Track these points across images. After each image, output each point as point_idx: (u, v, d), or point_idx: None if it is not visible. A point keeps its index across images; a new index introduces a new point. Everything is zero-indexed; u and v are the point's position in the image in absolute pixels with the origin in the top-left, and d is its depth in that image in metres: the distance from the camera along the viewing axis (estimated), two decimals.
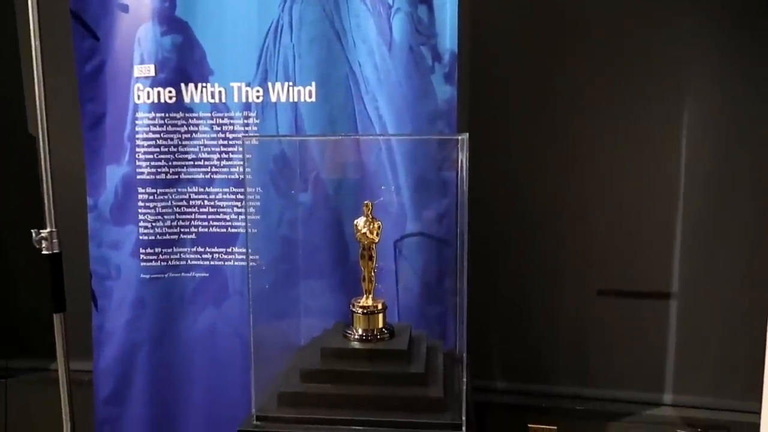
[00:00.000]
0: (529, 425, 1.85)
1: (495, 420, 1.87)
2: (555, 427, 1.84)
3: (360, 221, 1.21)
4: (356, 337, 1.18)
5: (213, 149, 1.52)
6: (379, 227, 1.21)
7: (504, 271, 1.86)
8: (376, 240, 1.21)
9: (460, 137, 1.10)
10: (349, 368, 1.12)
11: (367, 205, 1.21)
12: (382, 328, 1.20)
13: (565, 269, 1.86)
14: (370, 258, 1.21)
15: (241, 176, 1.51)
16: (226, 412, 1.54)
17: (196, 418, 1.57)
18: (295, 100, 1.48)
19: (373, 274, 1.22)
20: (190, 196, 1.54)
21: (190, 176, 1.53)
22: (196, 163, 1.53)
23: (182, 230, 1.55)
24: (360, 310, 1.20)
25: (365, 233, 1.20)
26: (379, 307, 1.20)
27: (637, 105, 1.73)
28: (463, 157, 1.07)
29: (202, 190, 1.54)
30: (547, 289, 1.86)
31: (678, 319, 1.82)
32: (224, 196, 1.53)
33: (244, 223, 1.52)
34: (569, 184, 1.81)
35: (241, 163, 1.51)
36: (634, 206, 1.78)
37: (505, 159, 1.81)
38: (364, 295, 1.22)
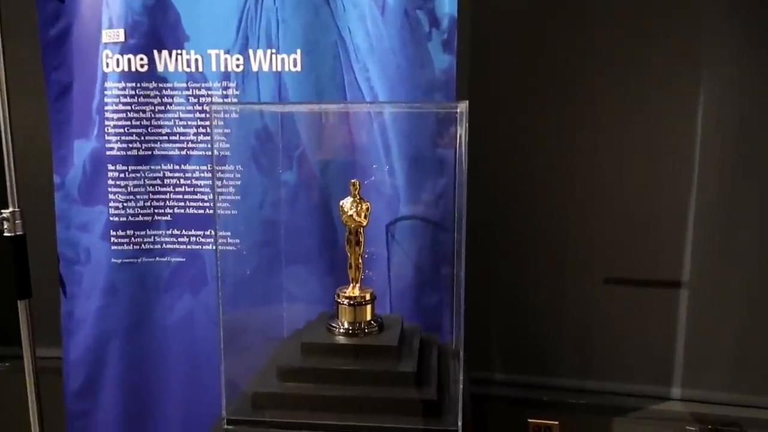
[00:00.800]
0: (530, 420, 1.73)
1: (493, 414, 1.74)
2: (557, 422, 1.71)
3: (346, 202, 1.07)
4: (341, 331, 1.05)
5: (189, 123, 1.37)
6: (367, 209, 1.07)
7: (504, 257, 1.72)
8: (364, 223, 1.07)
9: (459, 106, 0.95)
10: (332, 366, 0.98)
11: (354, 184, 1.07)
12: (370, 321, 1.06)
13: (570, 255, 1.72)
14: (358, 243, 1.07)
15: (222, 152, 1.37)
16: (204, 406, 1.41)
17: (173, 412, 1.44)
18: (279, 69, 1.33)
19: (360, 261, 1.08)
20: (164, 174, 1.39)
21: (164, 152, 1.39)
22: (170, 137, 1.38)
23: (156, 211, 1.40)
24: (345, 301, 1.06)
25: (352, 215, 1.06)
26: (367, 297, 1.07)
27: (650, 83, 1.58)
28: (462, 130, 0.93)
29: (177, 167, 1.39)
30: (551, 276, 1.72)
31: (688, 310, 1.69)
32: (202, 174, 1.39)
33: (223, 204, 1.38)
34: (576, 164, 1.66)
35: (222, 138, 1.37)
36: (645, 190, 1.64)
37: (508, 136, 1.67)
38: (351, 284, 1.08)
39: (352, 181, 1.06)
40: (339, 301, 1.06)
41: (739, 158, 1.57)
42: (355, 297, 1.06)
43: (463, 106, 0.88)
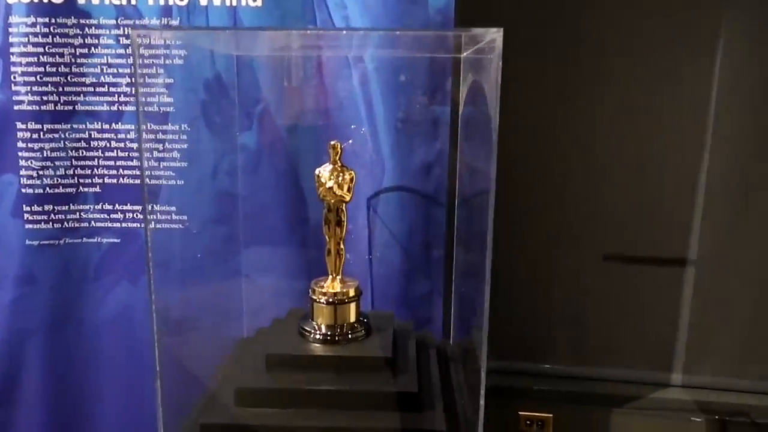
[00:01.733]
0: (521, 412, 1.53)
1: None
2: (550, 415, 1.52)
3: (324, 171, 0.81)
4: (318, 336, 0.80)
5: (121, 70, 1.08)
6: (351, 179, 0.81)
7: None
8: (347, 198, 0.82)
9: (488, 35, 0.68)
10: (308, 386, 0.74)
11: (334, 147, 0.80)
12: (354, 323, 0.82)
13: (564, 229, 1.49)
14: (339, 224, 0.82)
15: (164, 108, 1.08)
16: (146, 417, 1.16)
17: (108, 422, 1.18)
18: (233, 3, 1.04)
19: (342, 246, 0.83)
20: (90, 134, 1.10)
21: (89, 107, 1.09)
22: (97, 89, 1.08)
23: (82, 181, 1.11)
24: (323, 299, 0.81)
25: (332, 188, 0.80)
26: (351, 293, 0.82)
27: (659, 41, 1.35)
28: (495, 73, 0.65)
29: (107, 126, 1.10)
30: (541, 251, 1.50)
31: (694, 289, 1.49)
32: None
33: (165, 172, 1.10)
34: (578, 129, 1.43)
35: (163, 90, 1.08)
36: (650, 156, 1.42)
37: (508, 93, 1.42)
38: (330, 276, 0.83)
39: (332, 143, 0.80)
40: (315, 298, 0.81)
41: (756, 124, 1.37)
42: (335, 293, 0.81)
43: (495, 35, 0.62)
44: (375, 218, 1.12)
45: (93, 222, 1.13)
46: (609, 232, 1.46)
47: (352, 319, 0.81)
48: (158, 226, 1.11)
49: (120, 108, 1.09)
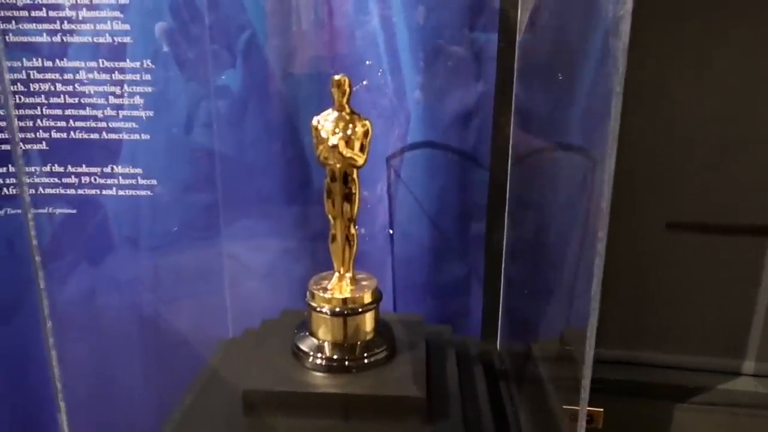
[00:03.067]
0: (565, 406, 1.28)
1: None
2: (601, 409, 1.27)
3: (325, 121, 0.54)
4: (319, 362, 0.54)
5: None
6: (365, 133, 0.54)
7: (534, 193, 1.22)
8: (360, 160, 0.54)
9: None
10: None
11: (340, 85, 0.52)
12: (371, 341, 0.56)
13: (623, 192, 1.20)
14: (348, 197, 0.55)
15: (119, 39, 0.81)
16: (113, 419, 0.93)
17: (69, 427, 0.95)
18: None
19: (352, 230, 0.56)
20: (30, 74, 0.82)
21: (25, 38, 0.81)
22: (34, 13, 0.81)
23: (22, 135, 0.85)
24: (326, 309, 0.55)
25: (336, 147, 0.52)
26: (367, 299, 0.55)
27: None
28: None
29: (50, 64, 0.82)
30: None
31: None
32: (92, 76, 0.83)
33: (126, 124, 0.83)
34: (640, 79, 1.12)
35: (117, 14, 0.80)
36: (725, 109, 1.12)
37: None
38: (335, 274, 0.57)
39: (336, 78, 0.52)
40: (315, 305, 0.55)
41: None
42: (344, 299, 0.54)
43: None
44: (397, 183, 0.85)
45: (41, 188, 0.86)
46: (673, 195, 1.18)
47: (369, 334, 0.55)
48: (120, 192, 0.86)
49: (65, 38, 0.81)
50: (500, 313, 0.82)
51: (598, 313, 0.42)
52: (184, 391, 0.62)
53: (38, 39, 0.81)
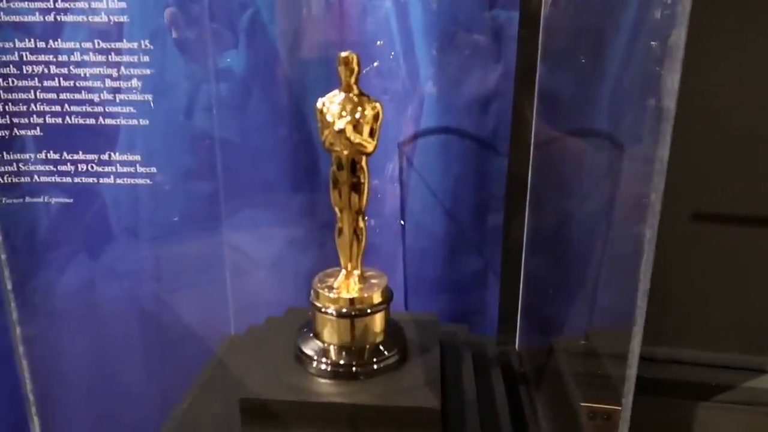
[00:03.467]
0: (582, 403, 1.23)
1: None
2: (618, 407, 1.22)
3: (331, 102, 0.48)
4: (324, 367, 0.49)
5: None
6: (376, 117, 0.48)
7: (554, 179, 1.16)
8: (369, 147, 0.49)
9: None
10: None
11: (347, 62, 0.46)
12: (381, 345, 0.51)
13: None
14: (356, 187, 0.50)
15: (116, 18, 0.76)
16: (112, 418, 0.90)
17: (69, 426, 0.92)
18: None
19: (361, 223, 0.51)
20: (22, 56, 0.78)
21: (17, 17, 0.77)
22: None
23: (15, 121, 0.80)
24: (332, 309, 0.50)
25: (343, 131, 0.47)
26: (376, 299, 0.50)
27: None
28: None
29: (43, 45, 0.78)
30: None
31: None
32: (87, 58, 0.78)
33: (123, 108, 0.78)
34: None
35: None
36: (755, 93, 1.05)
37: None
38: (342, 271, 0.52)
39: (344, 54, 0.46)
40: (320, 305, 0.50)
41: None
42: (352, 299, 0.49)
43: None
44: (409, 171, 0.79)
45: (36, 176, 0.82)
46: (700, 184, 1.11)
47: (378, 337, 0.50)
48: (119, 180, 0.81)
49: (58, 18, 0.76)
50: (519, 310, 0.77)
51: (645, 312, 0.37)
52: (184, 390, 0.58)
53: (31, 18, 0.76)
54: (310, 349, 0.50)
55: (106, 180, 0.81)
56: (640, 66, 0.41)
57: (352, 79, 0.46)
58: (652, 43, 0.35)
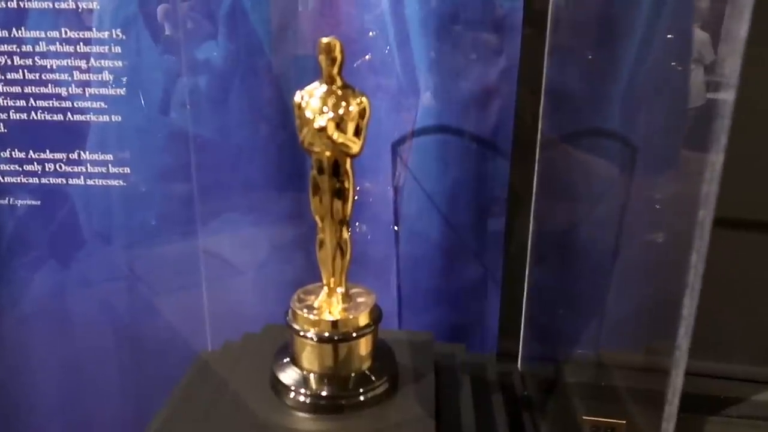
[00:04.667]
0: (585, 417, 1.17)
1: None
2: (623, 421, 1.16)
3: (311, 97, 0.42)
4: (302, 399, 0.43)
5: None
6: (362, 112, 0.42)
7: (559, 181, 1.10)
8: (355, 147, 0.42)
9: None
10: None
11: (329, 50, 0.40)
12: (366, 373, 0.44)
13: None
14: (339, 194, 0.43)
15: (84, 5, 0.69)
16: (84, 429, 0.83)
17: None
18: None
19: (345, 233, 0.45)
20: None
21: None
22: None
23: None
24: (312, 333, 0.43)
25: (324, 129, 0.40)
26: (362, 322, 0.44)
27: None
28: None
29: (6, 34, 0.71)
30: None
31: None
32: (55, 48, 0.71)
33: (93, 103, 0.72)
34: None
35: None
36: None
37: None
38: (324, 288, 0.45)
39: (325, 40, 0.40)
40: (298, 328, 0.44)
41: None
42: (335, 322, 0.43)
43: None
44: (404, 172, 0.73)
45: (0, 176, 0.76)
46: (720, 190, 1.05)
47: (366, 363, 0.44)
48: (89, 181, 0.75)
49: (22, 4, 0.70)
50: (522, 323, 0.70)
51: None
52: (155, 405, 0.52)
53: None
54: (286, 377, 0.43)
55: (75, 181, 0.75)
56: (676, 58, 0.35)
57: (335, 70, 0.40)
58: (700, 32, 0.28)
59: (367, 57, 0.69)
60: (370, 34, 0.69)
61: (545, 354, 0.67)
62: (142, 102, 0.71)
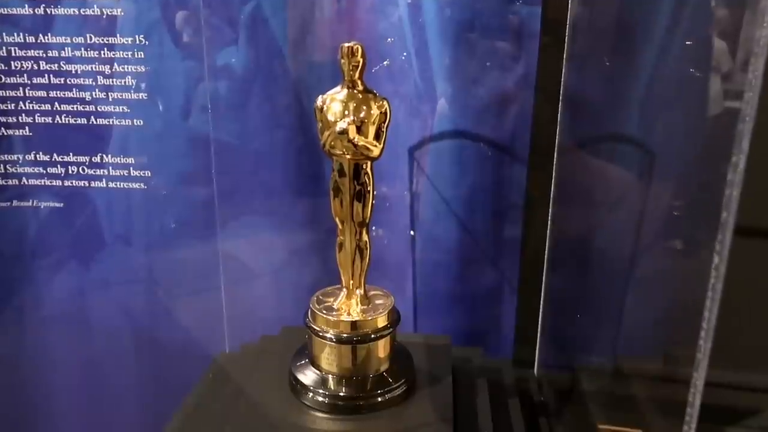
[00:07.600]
0: (600, 426, 1.16)
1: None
2: (640, 430, 1.15)
3: (333, 99, 0.43)
4: (321, 399, 0.44)
5: None
6: (383, 116, 0.42)
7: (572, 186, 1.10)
8: (375, 151, 0.43)
9: None
10: None
11: (351, 54, 0.41)
12: (384, 375, 0.45)
13: None
14: (360, 196, 0.44)
15: (109, 11, 0.71)
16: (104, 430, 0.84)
17: None
18: None
19: (365, 236, 0.45)
20: (10, 51, 0.73)
21: (5, 10, 0.72)
22: None
23: (2, 120, 0.76)
24: (331, 334, 0.44)
25: (345, 132, 0.41)
26: (380, 323, 0.44)
27: None
28: None
29: (33, 40, 0.73)
30: None
31: None
32: (79, 53, 0.73)
33: (116, 108, 0.73)
34: None
35: None
36: None
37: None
38: (343, 290, 0.46)
39: (347, 45, 0.40)
40: (317, 329, 0.44)
41: None
42: (353, 323, 0.44)
43: None
44: (420, 177, 0.74)
45: (24, 179, 0.77)
46: (743, 197, 1.04)
47: (384, 365, 0.44)
48: (111, 184, 0.76)
49: (49, 11, 0.72)
50: (539, 329, 0.70)
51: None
52: (174, 405, 0.53)
53: (20, 11, 0.71)
54: (305, 378, 0.44)
55: (97, 183, 0.76)
56: (694, 65, 0.35)
57: (357, 74, 0.40)
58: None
59: (385, 63, 0.70)
60: (388, 40, 0.69)
61: (561, 360, 0.67)
62: (160, 107, 0.72)
